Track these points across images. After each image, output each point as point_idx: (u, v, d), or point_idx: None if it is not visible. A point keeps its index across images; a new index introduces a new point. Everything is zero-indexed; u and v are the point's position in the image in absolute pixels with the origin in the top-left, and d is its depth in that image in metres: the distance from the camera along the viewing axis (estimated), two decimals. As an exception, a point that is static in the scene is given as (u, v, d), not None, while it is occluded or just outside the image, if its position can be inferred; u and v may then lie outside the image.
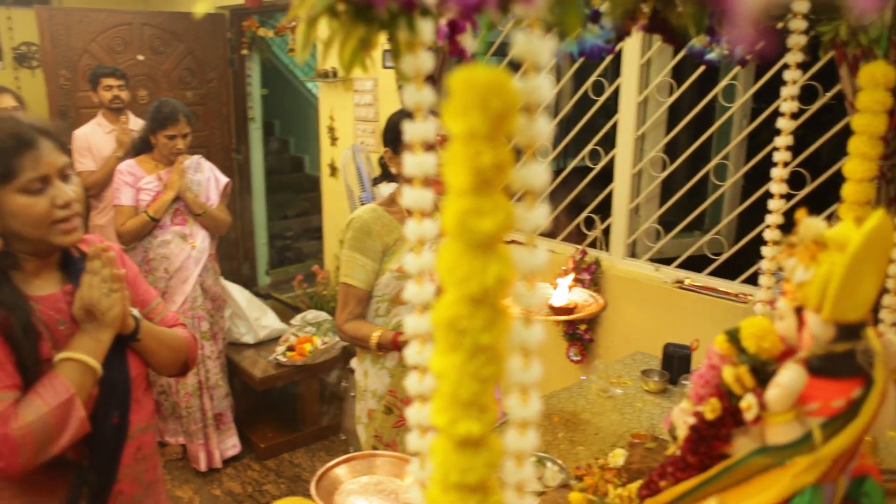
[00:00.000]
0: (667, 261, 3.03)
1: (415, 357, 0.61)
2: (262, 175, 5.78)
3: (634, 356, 2.39)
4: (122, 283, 1.40)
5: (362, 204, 3.23)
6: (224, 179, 3.51)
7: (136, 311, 1.48)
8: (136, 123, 3.90)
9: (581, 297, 1.92)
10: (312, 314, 3.98)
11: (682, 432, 0.85)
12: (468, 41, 0.75)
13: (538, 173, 0.46)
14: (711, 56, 1.12)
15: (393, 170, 2.11)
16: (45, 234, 1.34)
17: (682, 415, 0.85)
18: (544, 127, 0.45)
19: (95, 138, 3.92)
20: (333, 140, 4.54)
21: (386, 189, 2.98)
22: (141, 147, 3.34)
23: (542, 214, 0.47)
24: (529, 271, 0.49)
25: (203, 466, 3.53)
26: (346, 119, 4.39)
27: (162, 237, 3.30)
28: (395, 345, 2.01)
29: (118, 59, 4.72)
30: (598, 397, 2.05)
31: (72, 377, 1.30)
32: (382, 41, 0.56)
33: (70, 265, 1.46)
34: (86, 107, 4.55)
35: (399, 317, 2.11)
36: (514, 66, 0.48)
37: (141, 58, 4.86)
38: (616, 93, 3.08)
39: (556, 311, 1.85)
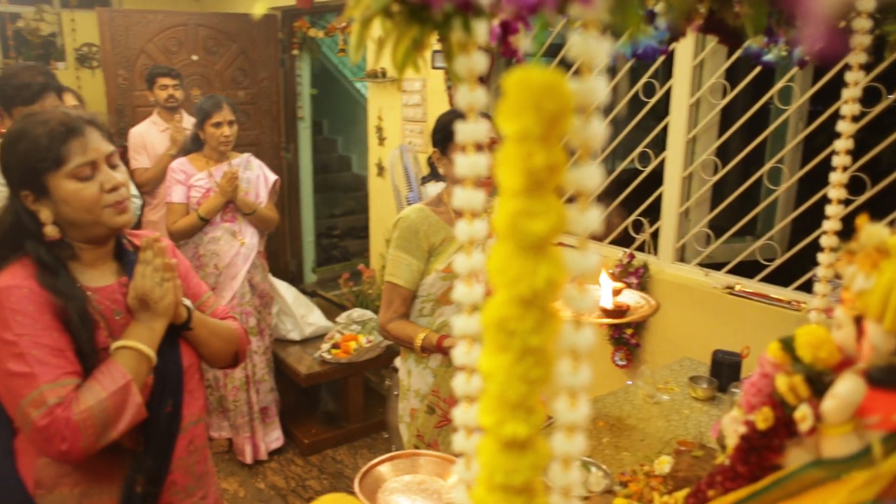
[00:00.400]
0: (717, 266, 2.97)
1: (462, 357, 0.61)
2: (311, 174, 5.86)
3: (682, 362, 2.35)
4: (173, 273, 1.44)
5: (409, 204, 3.25)
6: (273, 177, 3.57)
7: (188, 302, 1.52)
8: (189, 122, 3.99)
9: (633, 300, 1.90)
10: (358, 312, 4.01)
11: (731, 441, 0.83)
12: (521, 42, 0.74)
13: (591, 175, 0.46)
14: (769, 57, 1.09)
15: (441, 170, 2.12)
16: (98, 217, 1.39)
17: (732, 423, 0.83)
18: (598, 129, 0.45)
19: (150, 136, 4.03)
20: (381, 140, 4.57)
21: (433, 189, 2.99)
22: (192, 147, 3.43)
23: (594, 217, 0.47)
24: (581, 274, 0.48)
25: (249, 459, 3.59)
26: (395, 119, 4.42)
27: (212, 234, 3.38)
28: (439, 348, 2.02)
29: (173, 60, 4.84)
30: (644, 403, 2.02)
31: (128, 364, 1.34)
32: (432, 42, 0.56)
33: (124, 257, 1.51)
34: (142, 105, 4.68)
35: (444, 317, 2.11)
36: (565, 67, 0.47)
37: (195, 58, 4.97)
38: (667, 94, 3.03)
39: (608, 313, 1.83)
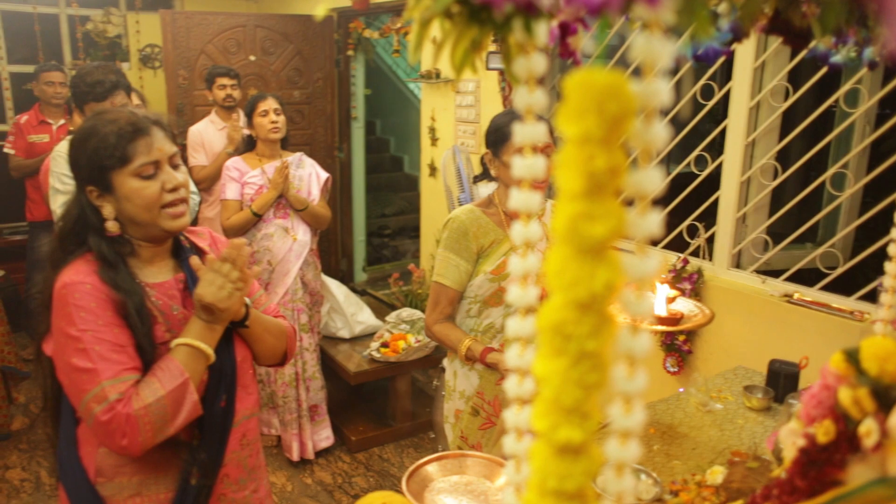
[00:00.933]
0: (774, 273, 2.89)
1: (515, 360, 0.61)
2: (363, 173, 5.92)
3: (736, 370, 2.30)
4: (247, 284, 1.46)
5: (461, 204, 3.25)
6: (325, 175, 3.61)
7: (246, 299, 1.55)
8: (245, 121, 4.08)
9: (686, 308, 1.86)
10: (407, 312, 4.04)
11: (789, 454, 0.81)
12: (580, 43, 0.74)
13: (652, 179, 0.45)
14: (837, 59, 1.05)
15: (493, 172, 2.12)
16: (155, 218, 1.43)
17: (790, 435, 0.81)
18: (661, 132, 0.44)
19: (208, 135, 4.12)
20: (434, 140, 4.59)
21: (485, 190, 2.99)
22: (245, 148, 3.52)
23: (654, 221, 0.46)
24: (639, 278, 0.48)
25: (296, 456, 3.64)
26: (448, 120, 4.43)
27: (265, 230, 3.44)
28: (482, 360, 2.02)
29: (231, 60, 4.95)
30: (696, 411, 1.98)
31: (186, 362, 1.38)
32: (489, 43, 0.56)
33: (181, 254, 1.55)
34: (200, 105, 4.80)
35: (490, 319, 2.11)
36: (621, 68, 0.47)
37: (252, 58, 5.08)
38: (726, 97, 2.97)
39: (661, 320, 1.80)
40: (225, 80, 4.09)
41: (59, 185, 2.59)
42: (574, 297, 0.46)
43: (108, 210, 1.42)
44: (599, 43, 0.50)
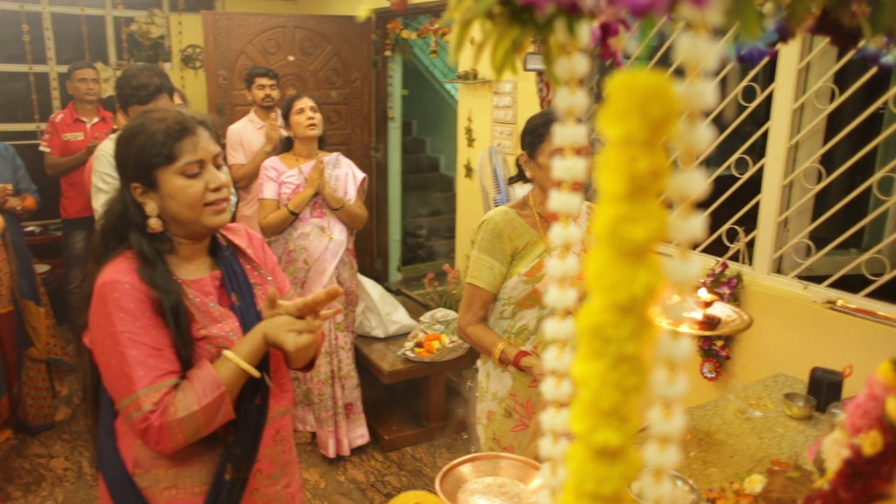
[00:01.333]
0: (817, 279, 2.83)
1: (552, 362, 0.61)
2: (399, 173, 5.94)
3: (776, 378, 2.25)
4: (317, 335, 1.48)
5: (497, 205, 3.25)
6: (361, 175, 3.63)
7: (286, 303, 1.57)
8: (283, 122, 4.13)
9: (724, 313, 1.83)
10: (441, 312, 4.04)
11: (833, 465, 0.79)
12: (620, 44, 0.73)
13: (695, 181, 0.44)
14: (888, 59, 1.03)
15: (528, 173, 2.11)
16: (198, 216, 1.46)
17: (834, 445, 0.79)
18: (705, 134, 0.44)
19: (247, 134, 4.18)
20: (470, 141, 4.59)
21: (521, 191, 2.98)
22: (283, 148, 3.56)
23: (696, 224, 0.46)
24: (681, 282, 0.47)
25: (331, 453, 3.67)
26: (484, 120, 4.42)
27: (301, 229, 3.47)
28: (516, 365, 2.01)
29: (270, 60, 5.01)
30: (734, 418, 1.95)
31: (227, 376, 1.40)
32: (529, 44, 0.56)
33: (218, 252, 1.57)
34: (240, 104, 4.87)
35: (524, 321, 2.10)
36: (662, 69, 0.46)
37: (291, 58, 5.13)
38: (768, 98, 2.91)
39: (698, 325, 1.77)
40: (264, 80, 4.14)
41: (102, 184, 2.64)
42: (614, 300, 0.46)
43: (151, 207, 1.45)
44: (646, 44, 0.49)
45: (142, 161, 1.42)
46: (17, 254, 3.56)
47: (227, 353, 1.43)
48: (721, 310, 1.86)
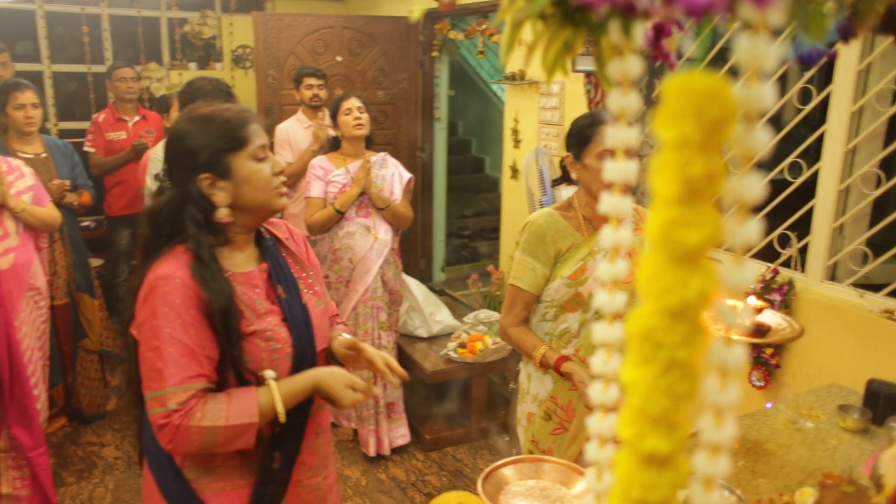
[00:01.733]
0: (874, 287, 2.74)
1: (600, 366, 0.60)
2: (444, 174, 5.95)
3: (829, 388, 2.19)
4: (369, 397, 1.54)
5: (542, 207, 3.23)
6: (407, 175, 3.65)
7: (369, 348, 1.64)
8: (330, 122, 4.17)
9: (774, 321, 1.79)
10: (485, 313, 4.04)
11: (891, 480, 0.76)
12: (674, 45, 0.72)
13: (752, 186, 0.43)
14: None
15: (573, 175, 2.09)
16: (270, 198, 1.50)
17: (892, 461, 0.77)
18: (763, 137, 0.43)
19: (295, 133, 4.24)
20: (517, 142, 4.57)
21: (566, 193, 2.95)
22: (330, 147, 3.60)
23: (752, 230, 0.45)
24: (734, 288, 0.46)
25: (372, 451, 3.69)
26: (531, 122, 4.41)
27: (347, 228, 3.50)
28: (556, 369, 2.00)
29: (319, 60, 5.07)
30: (784, 428, 1.90)
31: (264, 408, 1.42)
32: (580, 45, 0.55)
33: (262, 243, 1.60)
34: (288, 104, 4.94)
35: (566, 324, 2.08)
36: (714, 68, 0.45)
37: (339, 59, 5.19)
38: (824, 101, 2.83)
39: (746, 332, 1.73)
40: (312, 80, 4.19)
41: (154, 186, 2.71)
42: (666, 305, 0.45)
43: (221, 197, 1.46)
44: (698, 45, 0.48)
45: (215, 148, 1.44)
46: (73, 248, 3.67)
47: (272, 384, 1.45)
48: (771, 317, 1.81)
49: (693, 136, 0.41)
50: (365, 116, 3.46)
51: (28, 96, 3.44)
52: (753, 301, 1.79)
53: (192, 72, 5.79)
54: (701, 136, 0.41)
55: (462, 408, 4.08)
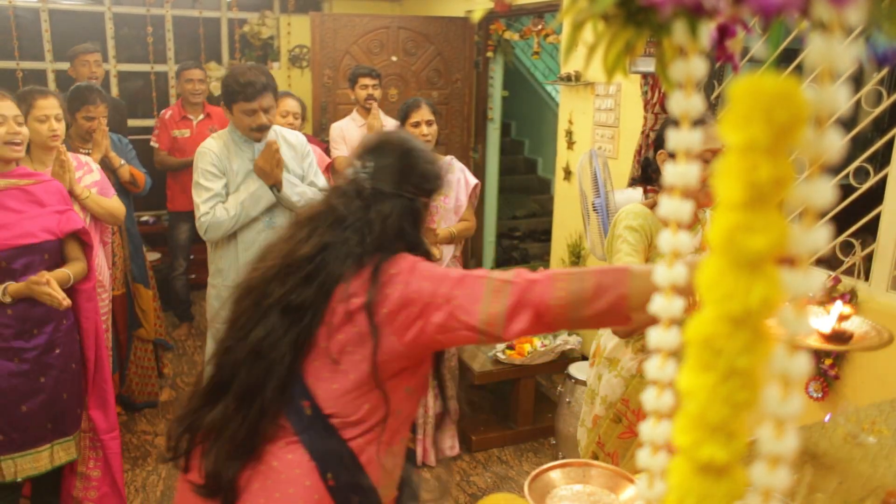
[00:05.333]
0: (942, 298, 2.63)
1: (655, 371, 0.59)
2: (496, 175, 5.94)
3: (894, 403, 2.11)
4: None
5: (595, 210, 3.19)
6: (473, 181, 3.50)
7: None
8: (384, 119, 4.20)
9: (860, 328, 1.68)
10: (534, 315, 4.01)
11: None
12: (739, 46, 0.71)
13: (822, 191, 0.42)
14: None
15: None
16: None
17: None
18: (835, 142, 0.41)
19: (349, 132, 4.27)
20: (570, 143, 4.54)
21: (620, 196, 2.92)
22: None
23: (821, 236, 0.43)
24: (800, 295, 0.45)
25: (418, 461, 3.65)
26: (585, 123, 4.36)
27: None
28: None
29: (374, 60, 5.11)
30: (844, 442, 1.84)
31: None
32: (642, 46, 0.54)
33: None
34: (342, 103, 5.00)
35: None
36: (779, 70, 0.44)
37: (394, 59, 5.23)
38: (893, 104, 2.73)
39: (826, 338, 1.64)
40: (367, 80, 4.23)
41: (204, 180, 2.75)
42: (727, 311, 0.44)
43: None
44: (774, 46, 0.47)
45: (430, 174, 1.47)
46: (129, 240, 3.79)
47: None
48: (855, 324, 1.70)
49: (761, 139, 0.40)
50: (433, 130, 3.30)
51: (101, 110, 3.55)
52: (840, 307, 1.69)
53: (250, 71, 5.91)
54: (769, 140, 0.41)
55: (509, 410, 4.07)
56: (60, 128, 2.77)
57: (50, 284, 2.18)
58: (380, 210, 1.38)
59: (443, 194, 3.26)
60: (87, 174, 3.10)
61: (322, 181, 3.08)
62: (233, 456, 1.30)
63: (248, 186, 2.74)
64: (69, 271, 2.34)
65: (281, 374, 1.29)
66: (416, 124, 3.30)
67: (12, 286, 2.20)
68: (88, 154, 3.39)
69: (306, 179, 2.97)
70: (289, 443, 1.31)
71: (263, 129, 2.75)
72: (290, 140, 2.95)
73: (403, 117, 3.33)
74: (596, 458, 2.14)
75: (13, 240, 2.22)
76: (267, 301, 1.32)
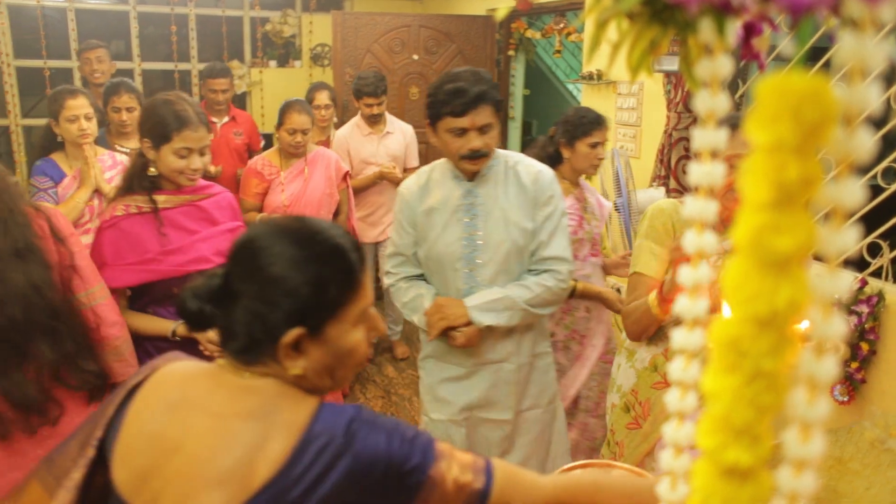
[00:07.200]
0: (972, 301, 2.58)
1: (678, 373, 0.58)
2: (517, 174, 5.91)
3: (920, 407, 2.08)
4: None
5: (617, 210, 3.18)
6: (607, 204, 3.33)
7: None
8: (392, 125, 4.16)
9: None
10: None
11: None
12: (765, 44, 0.70)
13: (851, 192, 0.41)
14: None
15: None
16: None
17: None
18: (866, 142, 0.41)
19: (354, 141, 3.99)
20: (591, 143, 4.51)
21: (643, 195, 2.90)
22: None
23: (849, 238, 0.43)
24: (828, 298, 0.44)
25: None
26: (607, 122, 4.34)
27: (582, 271, 2.82)
28: (666, 300, 1.81)
29: (395, 59, 5.12)
30: (871, 448, 1.81)
31: None
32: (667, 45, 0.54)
33: None
34: (364, 103, 5.01)
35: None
36: (804, 68, 0.43)
37: (416, 57, 5.23)
38: (923, 103, 2.68)
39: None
40: (371, 100, 4.00)
41: (401, 228, 2.27)
42: (753, 313, 0.44)
43: None
44: (803, 45, 0.47)
45: None
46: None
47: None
48: None
49: (789, 138, 0.40)
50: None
51: (125, 100, 3.58)
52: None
53: (271, 69, 5.94)
54: (797, 139, 0.40)
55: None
56: (90, 126, 2.79)
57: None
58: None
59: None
60: (120, 174, 3.14)
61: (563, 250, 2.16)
62: None
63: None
64: None
65: None
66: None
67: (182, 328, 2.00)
68: (125, 152, 3.43)
69: (535, 241, 2.13)
70: None
71: (478, 156, 2.05)
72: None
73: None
74: (608, 444, 2.17)
75: (187, 265, 2.03)
76: None
